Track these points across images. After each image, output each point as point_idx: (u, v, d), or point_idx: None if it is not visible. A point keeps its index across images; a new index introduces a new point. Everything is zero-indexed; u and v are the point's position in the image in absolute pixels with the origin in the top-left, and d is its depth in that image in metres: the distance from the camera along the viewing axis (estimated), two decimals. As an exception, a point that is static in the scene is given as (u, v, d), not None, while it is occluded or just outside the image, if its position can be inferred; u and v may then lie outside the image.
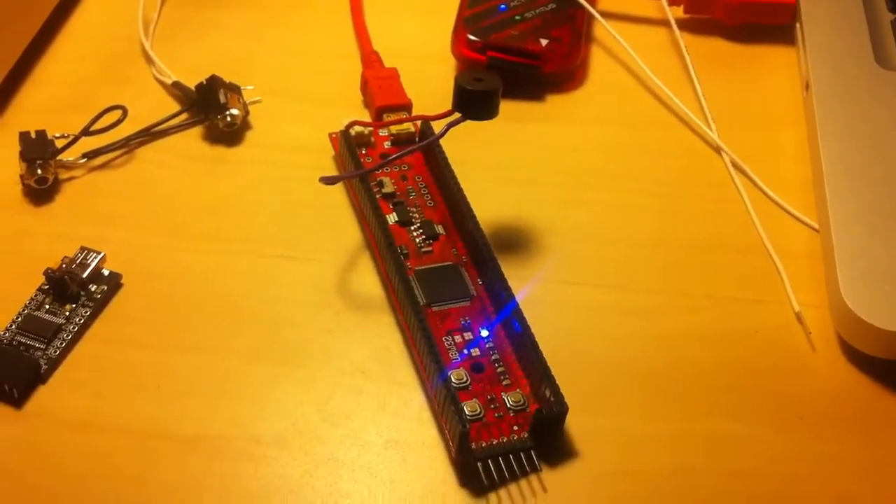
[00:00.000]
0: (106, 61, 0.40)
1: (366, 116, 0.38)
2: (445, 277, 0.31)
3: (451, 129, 0.31)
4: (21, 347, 0.30)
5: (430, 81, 0.38)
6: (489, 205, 0.34)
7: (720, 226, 0.34)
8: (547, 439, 0.27)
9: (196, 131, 0.37)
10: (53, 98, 0.38)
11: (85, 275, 0.31)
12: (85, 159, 0.36)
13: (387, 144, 0.36)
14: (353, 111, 0.38)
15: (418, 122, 0.36)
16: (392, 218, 0.33)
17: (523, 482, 0.27)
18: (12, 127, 0.36)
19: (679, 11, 0.41)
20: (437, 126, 0.32)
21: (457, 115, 0.31)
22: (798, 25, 0.39)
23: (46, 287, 0.31)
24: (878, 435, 0.29)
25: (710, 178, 0.36)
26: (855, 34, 0.38)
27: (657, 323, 0.31)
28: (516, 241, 0.34)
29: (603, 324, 0.31)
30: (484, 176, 0.35)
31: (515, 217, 0.34)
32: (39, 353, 0.30)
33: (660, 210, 0.35)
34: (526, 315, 0.29)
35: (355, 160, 0.34)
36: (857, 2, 0.39)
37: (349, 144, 0.34)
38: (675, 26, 0.40)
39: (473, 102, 0.31)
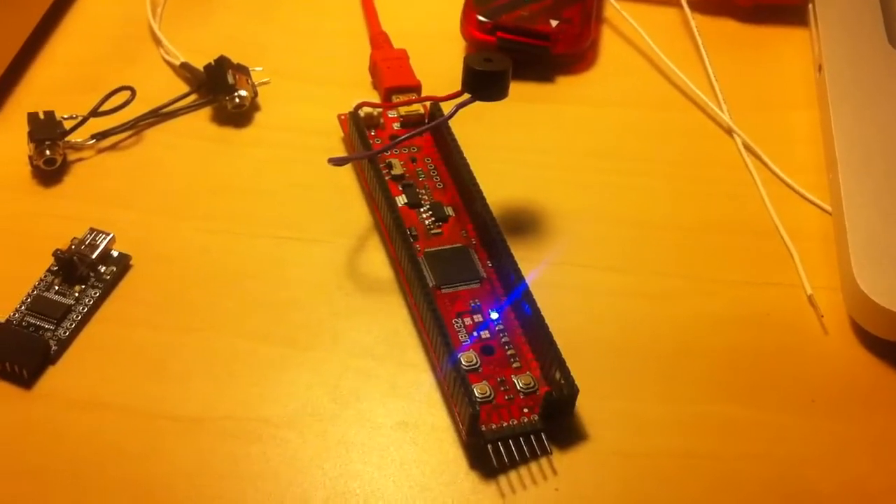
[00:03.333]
0: (114, 42, 0.40)
1: (375, 97, 0.37)
2: (455, 259, 0.31)
3: (461, 111, 0.31)
4: (31, 328, 0.30)
5: (439, 62, 0.37)
6: (499, 187, 0.34)
7: (732, 208, 0.34)
8: (557, 422, 0.27)
9: (205, 112, 0.37)
10: (62, 78, 0.38)
11: (94, 256, 0.31)
12: (93, 140, 0.36)
13: (396, 126, 0.36)
14: (362, 92, 0.38)
15: (427, 104, 0.35)
16: (401, 200, 0.33)
17: (533, 464, 0.27)
18: (21, 107, 0.36)
19: (691, -8, 0.41)
20: (447, 107, 0.31)
21: (466, 95, 0.31)
22: (811, 6, 0.39)
23: (56, 268, 0.31)
24: (891, 418, 0.28)
25: (722, 160, 0.35)
26: (868, 14, 0.38)
27: (668, 305, 0.31)
28: (526, 223, 0.33)
29: (614, 306, 0.31)
30: (494, 157, 0.35)
31: (526, 199, 0.34)
32: (49, 335, 0.29)
33: (671, 192, 0.34)
34: (536, 297, 0.29)
35: (364, 141, 0.34)
36: (871, -19, 0.39)
37: (358, 125, 0.34)
38: (686, 7, 0.40)
39: (483, 83, 0.31)
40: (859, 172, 0.33)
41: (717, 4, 0.41)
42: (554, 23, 0.38)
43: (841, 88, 0.35)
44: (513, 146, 0.36)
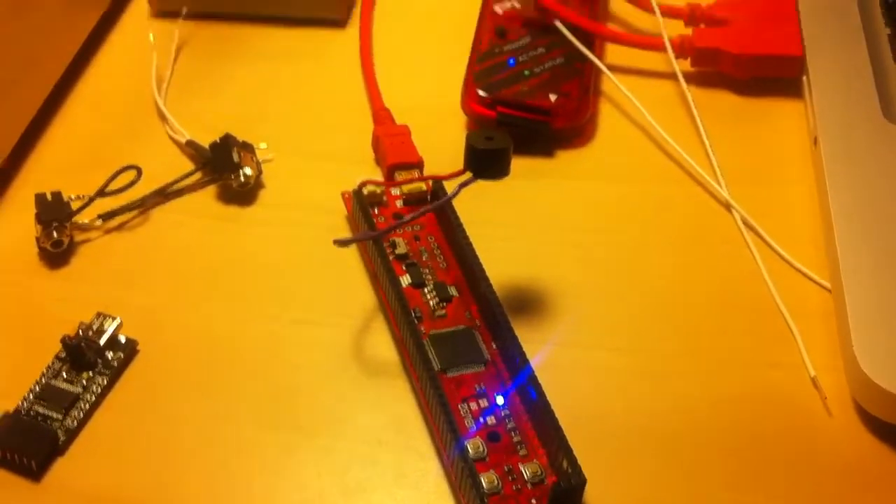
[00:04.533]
0: (120, 118, 0.40)
1: (378, 173, 0.38)
2: (460, 341, 0.31)
3: (464, 189, 0.31)
4: (39, 418, 0.30)
5: (441, 137, 0.38)
6: (502, 264, 0.34)
7: (733, 285, 0.34)
8: (564, 509, 0.28)
9: (210, 190, 0.38)
10: (68, 156, 0.39)
11: (102, 342, 0.31)
12: (100, 221, 0.36)
13: (399, 203, 0.36)
14: (365, 168, 0.38)
15: (430, 181, 0.36)
16: (405, 280, 0.33)
17: (541, 554, 0.27)
18: (28, 186, 0.37)
19: (686, 65, 0.41)
20: (450, 186, 0.32)
21: (468, 174, 0.31)
22: (805, 79, 0.40)
23: (63, 355, 0.31)
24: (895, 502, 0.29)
25: (721, 236, 0.36)
26: (862, 88, 0.38)
27: (671, 387, 0.31)
28: (530, 301, 0.34)
29: (618, 388, 0.31)
30: (496, 234, 0.35)
31: (528, 276, 0.35)
32: (57, 425, 0.30)
33: (672, 268, 0.35)
34: (541, 379, 0.29)
35: (368, 220, 0.34)
36: (864, 55, 0.39)
37: (362, 204, 0.35)
38: (682, 80, 0.40)
39: (484, 162, 0.31)
40: (857, 248, 0.33)
41: (713, 77, 0.41)
42: (553, 97, 0.39)
43: (836, 162, 0.36)
44: (515, 223, 0.36)
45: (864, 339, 0.30)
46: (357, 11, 0.44)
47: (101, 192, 0.36)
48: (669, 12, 0.42)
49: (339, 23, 0.44)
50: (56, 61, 0.41)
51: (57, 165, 0.38)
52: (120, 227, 0.36)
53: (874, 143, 0.36)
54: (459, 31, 0.42)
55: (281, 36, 0.44)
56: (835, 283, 0.33)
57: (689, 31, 0.41)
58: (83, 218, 0.36)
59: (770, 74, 0.41)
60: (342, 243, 0.32)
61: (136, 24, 0.44)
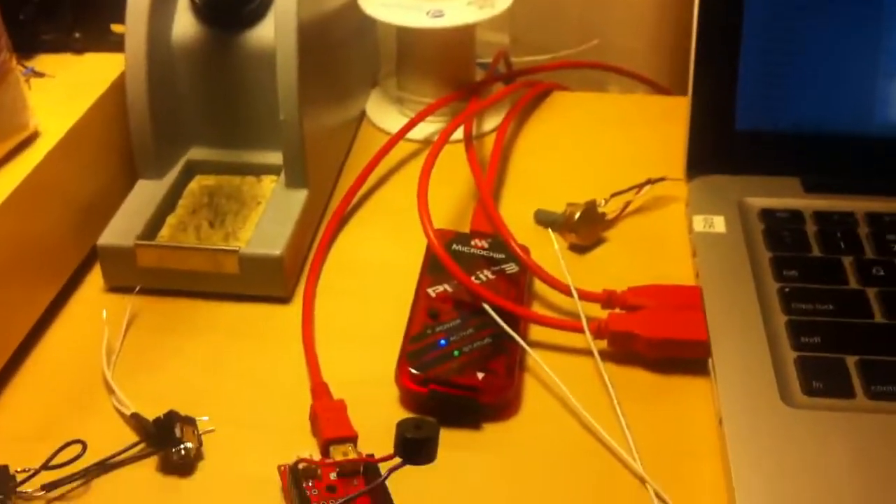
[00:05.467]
0: (69, 391, 0.42)
1: (314, 444, 0.40)
2: None
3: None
4: None
5: (376, 408, 0.40)
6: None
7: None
8: None
9: (151, 462, 0.39)
10: (18, 427, 0.40)
11: None
12: (43, 492, 0.37)
13: (333, 475, 0.38)
14: (302, 438, 0.40)
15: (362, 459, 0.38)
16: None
17: None
18: (-25, 459, 0.38)
19: (603, 344, 0.45)
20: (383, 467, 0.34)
21: (398, 459, 0.34)
22: (711, 361, 0.43)
23: None
24: None
25: (636, 510, 0.38)
26: (761, 372, 0.42)
27: None
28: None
29: None
30: (424, 508, 0.37)
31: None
32: None
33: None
34: None
35: (301, 495, 0.36)
36: (763, 341, 0.43)
37: (297, 481, 0.37)
38: (598, 358, 0.44)
39: (413, 449, 0.34)
40: (759, 526, 0.35)
41: (627, 356, 0.45)
42: (480, 375, 0.42)
43: (738, 442, 0.39)
44: (441, 498, 0.38)
45: None
46: (301, 288, 0.48)
47: (46, 466, 0.38)
48: (587, 297, 0.46)
49: (284, 300, 0.47)
50: (10, 338, 0.43)
51: (8, 435, 0.40)
52: (61, 498, 0.38)
53: (774, 425, 0.39)
54: (396, 308, 0.45)
55: (228, 310, 0.47)
56: (740, 562, 0.35)
57: (605, 314, 0.45)
58: (27, 488, 0.37)
59: (679, 355, 0.44)
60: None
61: (92, 297, 0.47)
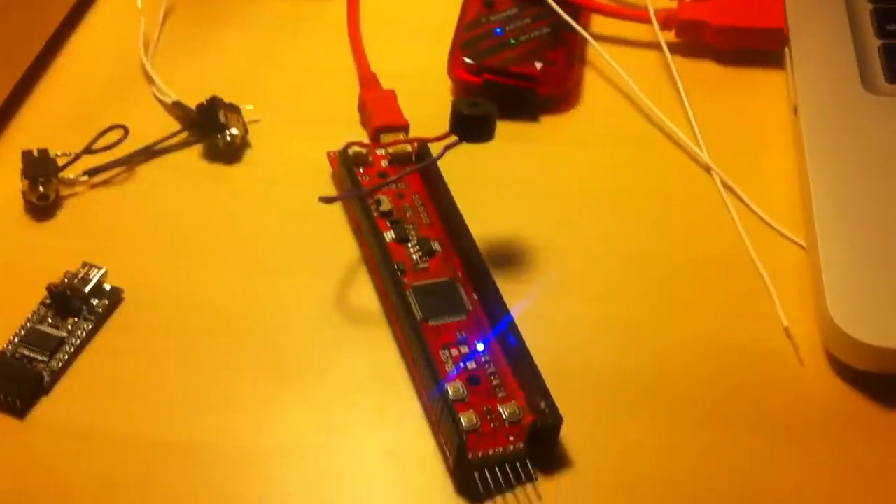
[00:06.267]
0: (107, 80, 0.40)
1: (364, 135, 0.38)
2: (442, 293, 0.32)
3: (449, 151, 0.32)
4: (24, 360, 0.30)
5: (427, 101, 0.38)
6: (485, 222, 0.34)
7: (710, 243, 0.35)
8: (542, 449, 0.28)
9: (196, 149, 0.38)
10: (55, 116, 0.39)
11: (87, 289, 0.32)
12: (86, 177, 0.36)
13: (384, 163, 0.36)
14: (351, 130, 0.38)
15: (415, 143, 0.36)
16: (389, 235, 0.33)
17: (519, 491, 0.28)
18: (15, 145, 0.37)
19: (671, 35, 0.42)
20: (435, 147, 0.32)
21: (454, 137, 0.32)
22: (787, 50, 0.40)
23: (49, 301, 0.32)
24: (866, 447, 0.29)
25: (701, 197, 0.36)
26: (842, 59, 0.39)
27: (650, 336, 0.32)
28: (511, 257, 0.34)
29: (596, 337, 0.32)
30: (480, 194, 0.36)
31: (511, 234, 0.35)
32: (42, 366, 0.30)
33: (651, 226, 0.35)
34: (521, 329, 0.30)
35: (353, 179, 0.35)
36: (845, 27, 0.40)
37: (347, 164, 0.35)
38: (666, 50, 0.41)
39: (470, 127, 0.32)
40: (833, 211, 0.34)
41: (696, 47, 0.42)
42: (538, 65, 0.39)
43: (815, 131, 0.36)
44: (499, 183, 0.37)
45: (836, 292, 0.31)
46: (345, -19, 0.45)
47: (88, 150, 0.36)
48: (654, -16, 0.43)
49: (328, -7, 0.44)
50: (45, 23, 0.41)
51: (45, 125, 0.39)
52: (106, 183, 0.37)
53: (852, 112, 0.37)
54: (447, 0, 0.42)
55: (269, 4, 0.44)
56: (810, 242, 0.33)
57: (673, 2, 0.42)
58: (69, 174, 0.36)
59: (752, 45, 0.41)
60: (327, 200, 0.32)
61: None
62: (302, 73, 0.41)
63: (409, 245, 0.33)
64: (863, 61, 0.39)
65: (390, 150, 0.36)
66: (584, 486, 0.28)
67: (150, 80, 0.40)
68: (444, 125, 0.32)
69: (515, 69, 0.39)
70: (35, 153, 0.36)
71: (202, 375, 0.30)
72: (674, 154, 0.38)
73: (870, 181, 0.34)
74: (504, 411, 0.28)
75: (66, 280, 0.32)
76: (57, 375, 0.30)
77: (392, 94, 0.39)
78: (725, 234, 0.35)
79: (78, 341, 0.31)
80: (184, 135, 0.38)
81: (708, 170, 0.37)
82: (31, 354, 0.30)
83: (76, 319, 0.31)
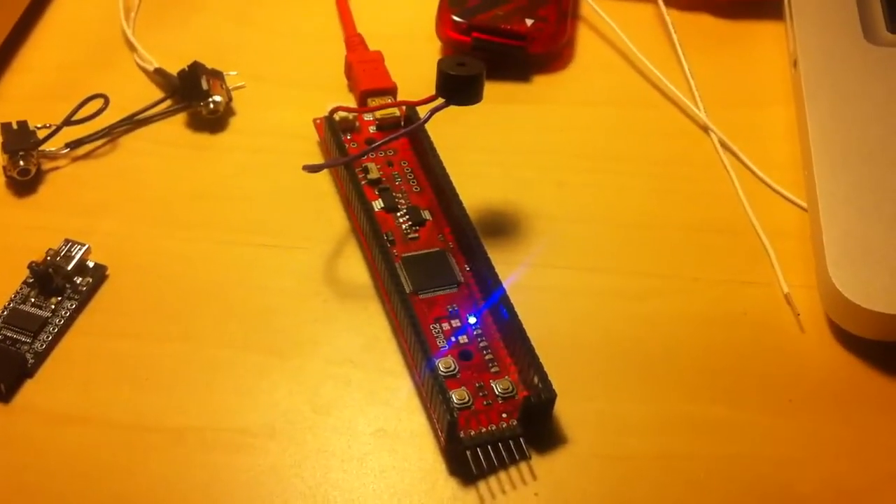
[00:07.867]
0: (87, 48, 0.39)
1: (351, 100, 0.37)
2: (432, 264, 0.31)
3: (437, 114, 0.31)
4: (7, 342, 0.29)
5: (414, 63, 0.37)
6: (476, 189, 0.34)
7: (709, 206, 0.34)
8: (536, 426, 0.27)
9: (179, 118, 0.37)
10: (35, 86, 0.38)
11: (70, 267, 0.31)
12: (68, 149, 0.35)
13: (372, 129, 0.35)
14: (337, 95, 0.37)
15: (403, 107, 0.35)
16: (378, 204, 0.33)
17: (513, 470, 0.27)
18: (-6, 117, 0.36)
19: (665, -13, 0.41)
20: (422, 111, 0.31)
21: (440, 100, 0.31)
22: (786, 1, 0.39)
23: (31, 280, 0.31)
24: (868, 415, 0.29)
25: (699, 158, 0.36)
26: (843, 9, 0.38)
27: (646, 306, 0.31)
28: (504, 225, 0.33)
29: (591, 307, 0.31)
30: (470, 159, 0.35)
31: (503, 201, 0.34)
32: (26, 348, 0.29)
33: (648, 191, 0.34)
34: (514, 300, 0.29)
35: (339, 146, 0.34)
36: (845, -24, 0.39)
37: (333, 130, 0.34)
38: (661, 3, 0.40)
39: (457, 88, 0.30)
40: (834, 169, 0.33)
41: (692, 0, 0.41)
42: (529, 22, 0.38)
43: (815, 84, 0.35)
44: (490, 147, 0.36)
45: (838, 257, 0.30)
46: (330, -62, 0.43)
47: (68, 121, 0.35)
48: (648, -65, 0.41)
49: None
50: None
51: (23, 95, 0.38)
52: (87, 156, 0.36)
53: (854, 65, 0.36)
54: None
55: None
56: (811, 203, 0.33)
57: (668, -47, 0.41)
58: (50, 146, 0.35)
59: (750, -3, 0.40)
60: (312, 169, 0.31)
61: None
62: (287, 36, 0.40)
63: (398, 214, 0.32)
64: (864, 11, 0.38)
65: (378, 115, 0.35)
66: (579, 464, 0.27)
67: (131, 47, 0.39)
68: (433, 86, 0.31)
69: (505, 27, 0.38)
70: (14, 126, 0.35)
71: (189, 354, 0.30)
72: (670, 114, 0.37)
73: (872, 138, 0.33)
74: (497, 387, 0.28)
75: (48, 258, 0.31)
76: (41, 357, 0.29)
77: (379, 57, 0.38)
78: (724, 197, 0.34)
79: (62, 321, 0.30)
80: (167, 103, 0.37)
81: (706, 129, 0.36)
82: (15, 336, 0.30)
83: (60, 298, 0.31)
